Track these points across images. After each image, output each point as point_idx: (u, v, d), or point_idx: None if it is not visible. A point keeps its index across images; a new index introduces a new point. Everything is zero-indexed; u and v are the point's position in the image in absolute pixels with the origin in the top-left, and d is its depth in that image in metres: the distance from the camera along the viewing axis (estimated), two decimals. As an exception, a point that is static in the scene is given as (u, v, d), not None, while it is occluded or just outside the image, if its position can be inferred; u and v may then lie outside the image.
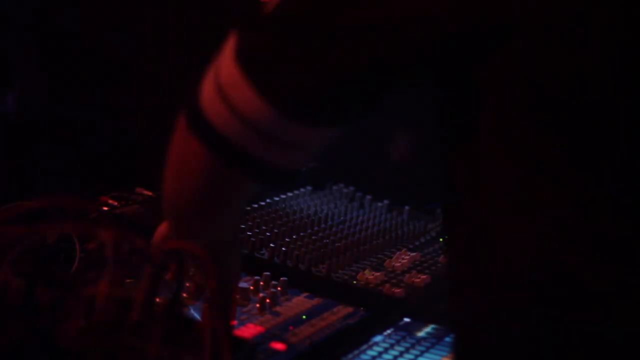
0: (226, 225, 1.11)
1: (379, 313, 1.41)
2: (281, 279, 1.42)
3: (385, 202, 1.91)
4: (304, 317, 1.30)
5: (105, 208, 1.59)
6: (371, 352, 1.29)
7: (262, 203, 1.76)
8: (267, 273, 1.42)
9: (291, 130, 0.92)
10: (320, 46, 0.88)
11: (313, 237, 1.62)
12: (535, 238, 0.88)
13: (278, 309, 1.36)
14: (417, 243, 1.74)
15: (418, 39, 0.87)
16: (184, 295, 1.22)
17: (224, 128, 0.92)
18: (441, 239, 1.75)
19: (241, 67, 0.90)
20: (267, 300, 1.36)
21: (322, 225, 1.70)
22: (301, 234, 1.63)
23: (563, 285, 0.88)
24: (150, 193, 1.68)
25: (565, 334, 0.89)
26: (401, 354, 1.30)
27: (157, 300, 0.82)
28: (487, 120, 0.89)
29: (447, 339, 1.33)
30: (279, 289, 1.41)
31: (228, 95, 0.91)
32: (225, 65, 0.92)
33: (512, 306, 0.91)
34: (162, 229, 1.14)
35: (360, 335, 1.33)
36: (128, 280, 0.83)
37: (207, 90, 0.93)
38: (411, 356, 1.30)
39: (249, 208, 1.70)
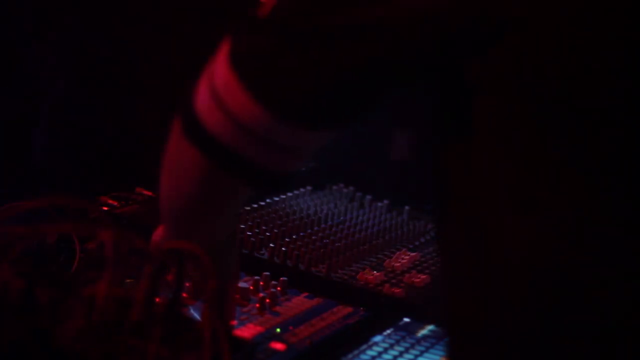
0: (223, 227, 1.11)
1: (378, 313, 1.41)
2: (281, 279, 1.42)
3: (385, 202, 1.91)
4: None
5: (105, 208, 1.59)
6: (371, 352, 1.29)
7: (262, 203, 1.76)
8: (267, 273, 1.42)
9: (288, 133, 0.91)
10: (319, 47, 0.87)
11: (313, 237, 1.62)
12: (535, 238, 0.88)
13: (278, 309, 1.36)
14: (417, 243, 1.74)
15: (418, 39, 0.87)
16: (184, 295, 1.22)
17: (220, 133, 0.91)
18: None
19: (236, 71, 0.90)
20: (267, 300, 1.36)
21: (322, 225, 1.70)
22: (301, 234, 1.63)
23: (563, 285, 0.88)
24: (150, 193, 1.68)
25: (564, 334, 0.89)
26: (401, 354, 1.30)
27: (157, 300, 0.82)
28: (487, 120, 0.89)
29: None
30: (278, 289, 1.41)
31: (223, 100, 0.90)
32: (219, 70, 0.91)
33: (511, 306, 0.91)
34: (159, 232, 1.14)
35: (360, 335, 1.33)
36: (128, 280, 0.83)
37: (202, 95, 0.93)
38: (411, 356, 1.30)
39: (248, 208, 1.70)
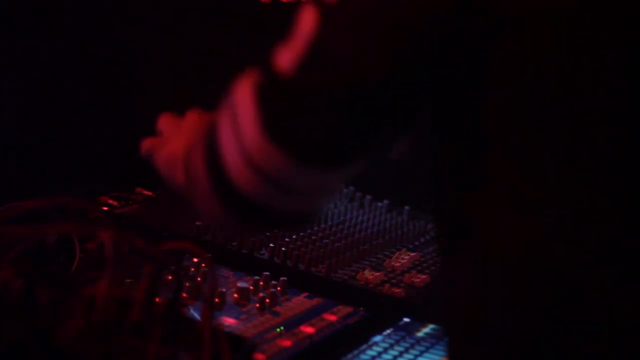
0: None
1: (378, 313, 1.41)
2: (281, 279, 1.42)
3: (385, 202, 1.91)
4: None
5: (105, 208, 1.59)
6: (371, 352, 1.29)
7: (262, 203, 1.76)
8: (267, 273, 1.42)
9: (307, 176, 0.93)
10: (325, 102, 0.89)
11: (313, 237, 1.62)
12: (533, 237, 0.88)
13: (278, 309, 1.36)
14: (417, 243, 1.74)
15: (417, 39, 0.87)
16: (184, 295, 1.22)
17: (247, 189, 0.93)
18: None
19: (274, 142, 0.89)
20: (267, 300, 1.36)
21: (322, 225, 1.70)
22: (301, 234, 1.63)
23: (561, 284, 0.88)
24: (150, 193, 1.68)
25: (564, 333, 0.89)
26: (401, 354, 1.30)
27: (157, 300, 0.82)
28: (485, 120, 0.89)
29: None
30: (278, 289, 1.41)
31: (262, 168, 0.91)
32: (252, 137, 0.90)
33: (510, 306, 0.91)
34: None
35: (359, 335, 1.33)
36: (128, 280, 0.83)
37: (233, 157, 0.92)
38: (411, 356, 1.30)
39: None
